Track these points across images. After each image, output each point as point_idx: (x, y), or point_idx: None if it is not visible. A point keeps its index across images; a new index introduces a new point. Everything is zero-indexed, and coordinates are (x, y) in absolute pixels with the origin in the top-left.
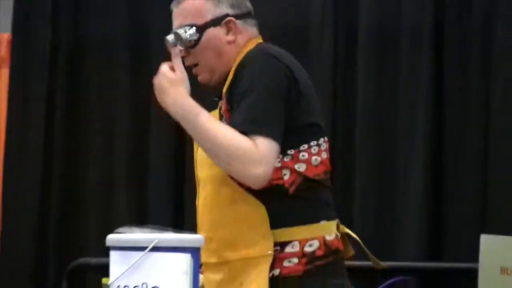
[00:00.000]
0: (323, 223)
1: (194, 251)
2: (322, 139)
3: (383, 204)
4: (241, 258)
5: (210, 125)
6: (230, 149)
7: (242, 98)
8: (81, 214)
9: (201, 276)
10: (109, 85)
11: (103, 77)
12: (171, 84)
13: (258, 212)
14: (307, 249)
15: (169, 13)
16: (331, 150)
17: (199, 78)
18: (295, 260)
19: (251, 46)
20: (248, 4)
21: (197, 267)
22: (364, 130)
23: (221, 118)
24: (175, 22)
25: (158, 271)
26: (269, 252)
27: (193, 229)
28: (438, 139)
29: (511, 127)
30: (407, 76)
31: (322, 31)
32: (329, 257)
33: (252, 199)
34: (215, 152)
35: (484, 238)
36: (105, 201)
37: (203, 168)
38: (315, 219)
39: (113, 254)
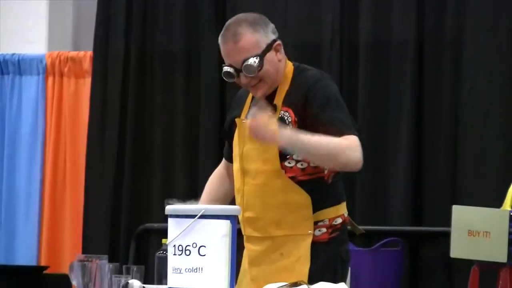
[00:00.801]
0: (343, 203)
1: (233, 219)
2: None
3: (376, 181)
4: (284, 235)
5: (313, 141)
6: (338, 149)
7: (326, 109)
8: (146, 189)
9: None
10: (169, 88)
11: (165, 81)
12: (266, 127)
13: (304, 200)
14: (333, 223)
15: (216, 31)
16: None
17: (258, 93)
18: (324, 230)
19: (289, 65)
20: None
21: (235, 231)
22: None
23: (283, 120)
24: (235, 58)
25: (204, 234)
26: (309, 232)
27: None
28: (419, 126)
29: (475, 117)
30: (395, 79)
31: (332, 47)
32: (342, 228)
33: (299, 189)
34: (327, 155)
35: (455, 208)
36: (166, 179)
37: (254, 162)
38: (339, 201)
39: (170, 221)
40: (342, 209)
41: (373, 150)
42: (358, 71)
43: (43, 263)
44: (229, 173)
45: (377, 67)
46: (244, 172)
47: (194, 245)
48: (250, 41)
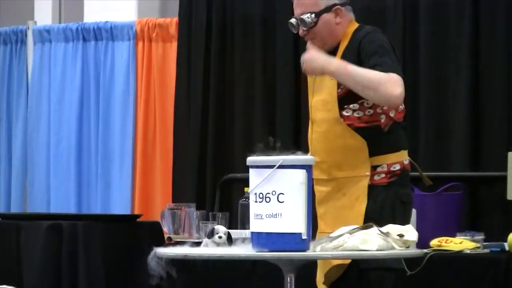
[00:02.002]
0: (402, 151)
1: (308, 168)
2: None
3: (438, 131)
4: (345, 176)
5: (359, 70)
6: (379, 80)
7: (373, 55)
8: (229, 142)
9: None
10: (247, 50)
11: (244, 44)
12: (319, 57)
13: (360, 144)
14: (391, 169)
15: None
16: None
17: (314, 45)
18: (382, 175)
19: (352, 26)
20: None
21: (311, 179)
22: (427, 78)
23: None
24: (297, 11)
25: (282, 182)
26: (367, 173)
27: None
28: (476, 79)
29: None
30: (454, 36)
31: (395, 11)
32: (402, 174)
33: (355, 134)
34: (368, 85)
35: (511, 154)
36: (247, 133)
37: (320, 112)
38: (397, 149)
39: (251, 171)
40: (401, 156)
41: (436, 104)
42: (419, 32)
43: (136, 212)
44: None
45: (437, 26)
46: (312, 121)
47: (274, 192)
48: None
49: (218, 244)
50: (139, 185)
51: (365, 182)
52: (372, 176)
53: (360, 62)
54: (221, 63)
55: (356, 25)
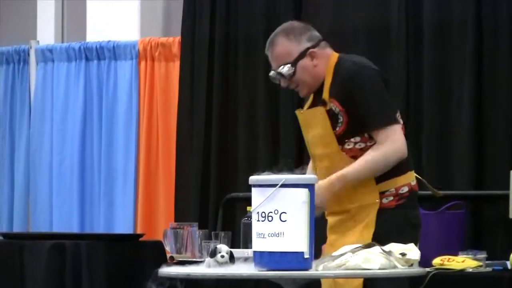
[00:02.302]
0: (409, 173)
1: (311, 187)
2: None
3: (441, 150)
4: (356, 206)
5: (360, 168)
6: (378, 162)
7: (368, 113)
8: (232, 161)
9: None
10: (250, 69)
11: (247, 63)
12: (321, 194)
13: None
14: (400, 191)
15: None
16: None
17: (301, 94)
18: (391, 198)
19: (332, 59)
20: (317, 34)
21: (313, 198)
22: (430, 97)
23: (330, 113)
24: (273, 64)
25: (285, 201)
26: (376, 200)
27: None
28: (480, 97)
29: None
30: (457, 55)
31: (398, 29)
32: (410, 196)
33: None
34: (375, 172)
35: None
36: (250, 152)
37: (318, 147)
38: (405, 171)
39: (254, 190)
40: (408, 178)
41: (439, 121)
42: (423, 50)
43: (139, 231)
44: None
45: (440, 46)
46: (313, 156)
47: (276, 211)
48: (282, 51)
49: (220, 264)
50: (141, 204)
51: (375, 208)
52: (380, 199)
53: (349, 104)
54: (224, 82)
55: (336, 56)
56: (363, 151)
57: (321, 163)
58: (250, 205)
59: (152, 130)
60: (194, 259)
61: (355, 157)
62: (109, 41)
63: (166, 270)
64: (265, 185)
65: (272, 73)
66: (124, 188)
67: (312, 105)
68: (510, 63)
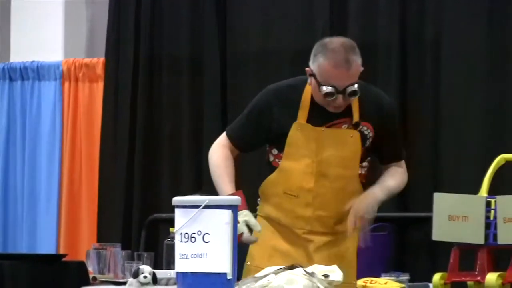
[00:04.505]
0: None
1: (234, 208)
2: None
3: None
4: (342, 231)
5: (390, 188)
6: (403, 182)
7: (395, 137)
8: (155, 183)
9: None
10: (175, 90)
11: (171, 84)
12: (372, 204)
13: None
14: None
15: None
16: None
17: (337, 111)
18: None
19: None
20: None
21: (236, 220)
22: None
23: (363, 134)
24: (344, 82)
25: (208, 222)
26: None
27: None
28: (403, 120)
29: (455, 113)
30: (382, 77)
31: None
32: None
33: (362, 190)
34: (398, 191)
35: (437, 195)
36: (173, 174)
37: (335, 168)
38: None
39: (177, 211)
40: None
41: None
42: None
43: (62, 251)
44: (232, 158)
45: (364, 67)
46: (319, 174)
47: (199, 232)
48: (358, 69)
49: (143, 284)
50: (64, 224)
51: (356, 233)
52: None
53: (381, 129)
54: (149, 103)
55: None
56: (363, 176)
57: (333, 184)
58: (173, 226)
59: (75, 151)
60: (117, 280)
61: (361, 183)
62: (33, 62)
63: None
64: (188, 206)
65: (330, 89)
66: (47, 209)
67: (318, 124)
68: (434, 87)
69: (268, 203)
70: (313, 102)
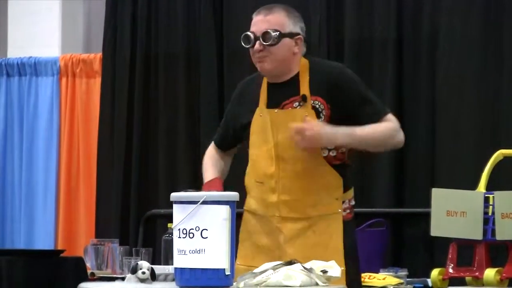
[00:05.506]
0: (352, 187)
1: (232, 204)
2: None
3: (364, 168)
4: (318, 214)
5: (363, 135)
6: (388, 134)
7: (364, 99)
8: (153, 178)
9: None
10: (171, 86)
11: (167, 80)
12: (325, 134)
13: (337, 181)
14: (351, 203)
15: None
16: None
17: (263, 66)
18: (348, 211)
19: (304, 59)
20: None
21: (234, 215)
22: None
23: (316, 110)
24: (261, 26)
25: (206, 218)
26: (339, 210)
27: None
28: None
29: (450, 107)
30: (377, 72)
31: (320, 45)
32: (353, 208)
33: (334, 172)
34: (383, 142)
35: (435, 191)
36: (170, 169)
37: (292, 150)
38: (352, 184)
39: (175, 207)
40: (353, 191)
41: None
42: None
43: (60, 247)
44: (221, 156)
45: (361, 61)
46: (279, 158)
47: (197, 228)
48: (278, 19)
49: (141, 280)
50: (62, 220)
51: (339, 219)
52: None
53: (337, 99)
54: (145, 99)
55: (305, 59)
56: (335, 158)
57: (292, 166)
58: (171, 221)
59: (73, 146)
60: (115, 276)
61: (331, 164)
62: (30, 57)
63: (87, 287)
64: (186, 202)
65: (249, 33)
66: (45, 204)
67: (274, 106)
68: (429, 82)
69: (249, 195)
70: (269, 86)
